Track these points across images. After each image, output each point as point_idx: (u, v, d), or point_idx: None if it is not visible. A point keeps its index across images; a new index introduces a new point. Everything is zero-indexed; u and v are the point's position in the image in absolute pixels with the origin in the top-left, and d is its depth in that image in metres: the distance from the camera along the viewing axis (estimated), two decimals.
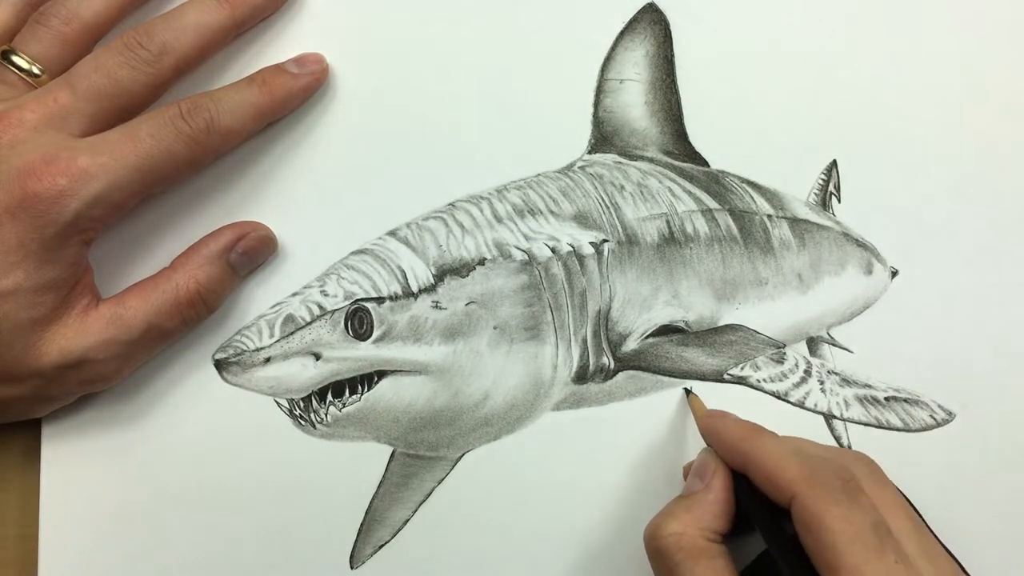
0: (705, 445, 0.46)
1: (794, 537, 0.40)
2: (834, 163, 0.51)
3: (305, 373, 0.47)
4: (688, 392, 0.49)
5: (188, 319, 0.48)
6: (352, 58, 0.51)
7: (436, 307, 0.48)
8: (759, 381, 0.49)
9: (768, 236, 0.51)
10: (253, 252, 0.49)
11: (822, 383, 0.50)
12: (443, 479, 0.49)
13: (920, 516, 0.43)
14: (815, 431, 0.49)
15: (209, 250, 0.48)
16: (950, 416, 0.50)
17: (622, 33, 0.51)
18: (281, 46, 0.51)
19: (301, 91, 0.49)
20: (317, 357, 0.47)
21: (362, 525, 0.49)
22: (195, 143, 0.46)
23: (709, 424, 0.46)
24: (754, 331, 0.50)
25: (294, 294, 0.49)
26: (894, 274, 0.51)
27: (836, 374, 0.50)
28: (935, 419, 0.50)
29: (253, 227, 0.49)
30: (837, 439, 0.49)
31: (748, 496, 0.43)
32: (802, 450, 0.42)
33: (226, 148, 0.48)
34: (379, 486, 0.49)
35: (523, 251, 0.49)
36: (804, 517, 0.39)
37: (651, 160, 0.52)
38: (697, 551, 0.41)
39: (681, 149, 0.52)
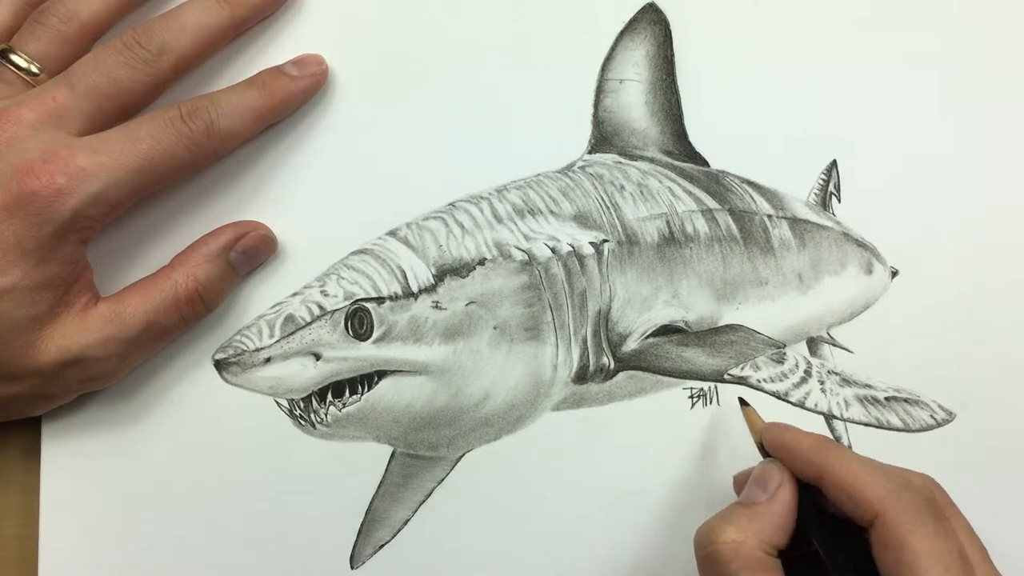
0: (762, 457, 0.45)
1: (856, 556, 0.39)
2: (834, 163, 0.51)
3: (305, 373, 0.47)
4: (743, 403, 0.47)
5: (187, 317, 0.47)
6: (352, 58, 0.51)
7: (436, 307, 0.48)
8: (759, 381, 0.49)
9: (768, 236, 0.51)
10: (253, 251, 0.49)
11: (822, 383, 0.50)
12: (443, 479, 0.49)
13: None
14: (816, 431, 0.49)
15: (209, 248, 0.48)
16: (950, 416, 0.50)
17: (622, 33, 0.51)
18: (281, 46, 0.51)
19: (301, 93, 0.49)
20: (317, 357, 0.47)
21: (362, 525, 0.49)
22: (194, 145, 0.46)
23: (776, 435, 0.44)
24: (754, 331, 0.50)
25: (294, 294, 0.49)
26: (894, 274, 0.51)
27: (836, 374, 0.50)
28: (935, 419, 0.50)
29: (253, 226, 0.49)
30: (837, 439, 0.49)
31: (813, 510, 0.42)
32: (882, 467, 0.41)
33: (225, 150, 0.48)
34: (379, 486, 0.49)
35: (523, 251, 0.49)
36: (887, 537, 0.38)
37: (651, 160, 0.52)
38: (755, 562, 0.40)
39: (681, 149, 0.52)
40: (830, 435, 0.50)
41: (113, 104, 0.46)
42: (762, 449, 0.45)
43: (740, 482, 0.46)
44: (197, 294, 0.47)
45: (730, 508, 0.42)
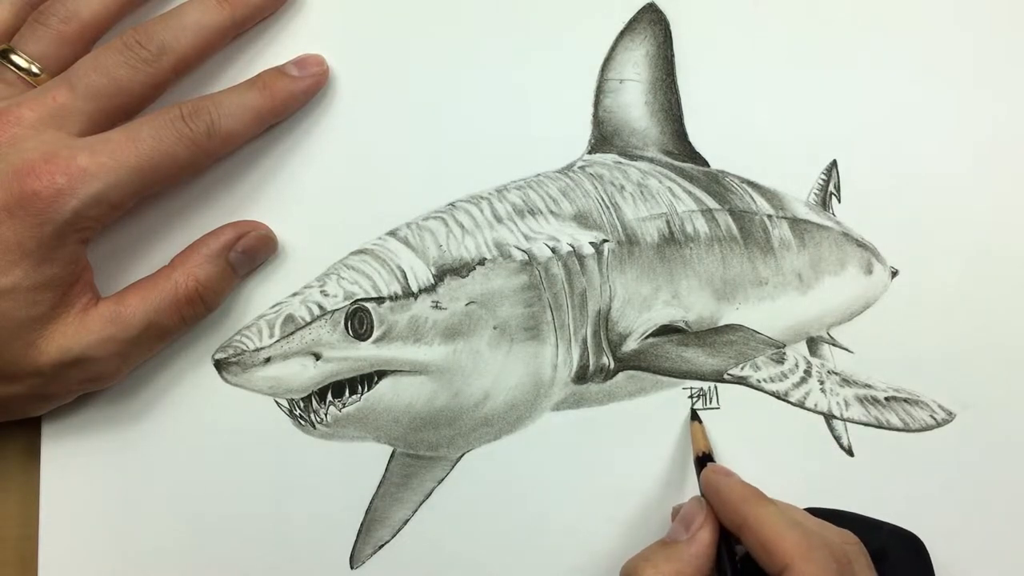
0: (696, 472, 0.46)
1: None
2: (834, 163, 0.51)
3: (305, 373, 0.47)
4: (695, 417, 0.49)
5: (187, 317, 0.47)
6: (352, 58, 0.51)
7: (436, 307, 0.48)
8: (759, 381, 0.49)
9: (768, 236, 0.51)
10: (253, 251, 0.49)
11: (822, 383, 0.50)
12: (443, 479, 0.49)
13: None
14: (815, 431, 0.49)
15: (209, 248, 0.48)
16: (950, 416, 0.50)
17: (622, 33, 0.51)
18: (281, 46, 0.51)
19: (302, 94, 0.49)
20: (317, 357, 0.47)
21: (362, 525, 0.49)
22: (195, 146, 0.46)
23: (712, 480, 0.45)
24: (754, 331, 0.50)
25: (294, 294, 0.49)
26: (894, 274, 0.51)
27: (836, 374, 0.50)
28: (935, 419, 0.50)
29: (253, 226, 0.49)
30: (837, 439, 0.49)
31: (730, 559, 0.43)
32: (801, 523, 0.42)
33: (226, 151, 0.48)
34: (379, 486, 0.49)
35: (523, 251, 0.49)
36: None
37: (651, 160, 0.52)
38: None
39: (681, 149, 0.52)
40: (831, 435, 0.50)
41: (113, 104, 0.46)
42: (699, 465, 0.47)
43: (675, 514, 0.47)
44: (197, 294, 0.47)
45: (652, 546, 0.44)
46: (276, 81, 0.49)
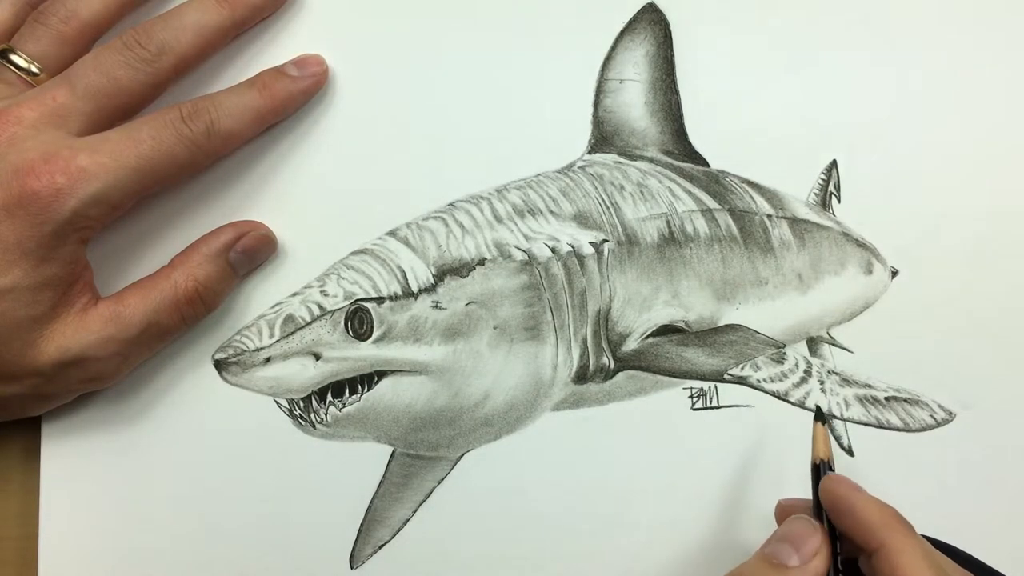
0: (812, 480, 0.43)
1: None
2: (834, 163, 0.51)
3: (305, 373, 0.47)
4: (819, 417, 0.45)
5: (187, 317, 0.47)
6: (352, 58, 0.51)
7: (436, 307, 0.48)
8: (759, 381, 0.49)
9: (768, 236, 0.51)
10: (252, 251, 0.49)
11: (822, 383, 0.50)
12: (443, 479, 0.49)
13: None
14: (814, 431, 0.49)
15: (209, 248, 0.48)
16: (950, 416, 0.50)
17: (622, 33, 0.51)
18: (281, 47, 0.51)
19: (301, 94, 0.49)
20: (317, 357, 0.47)
21: (362, 525, 0.49)
22: (195, 146, 0.46)
23: (844, 496, 0.41)
24: (754, 331, 0.50)
25: (294, 294, 0.49)
26: (894, 274, 0.51)
27: (836, 374, 0.50)
28: (935, 419, 0.50)
29: (253, 226, 0.49)
30: (838, 439, 0.49)
31: None
32: (943, 569, 0.39)
33: (226, 151, 0.48)
34: (379, 486, 0.49)
35: (523, 251, 0.49)
36: None
37: (651, 160, 0.52)
38: None
39: (681, 149, 0.52)
40: (831, 435, 0.50)
41: (113, 104, 0.46)
42: (815, 473, 0.43)
43: (784, 510, 0.45)
44: (197, 294, 0.47)
45: (758, 566, 0.41)
46: (276, 81, 0.49)
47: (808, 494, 0.43)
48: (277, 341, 0.47)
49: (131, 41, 0.46)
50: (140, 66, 0.46)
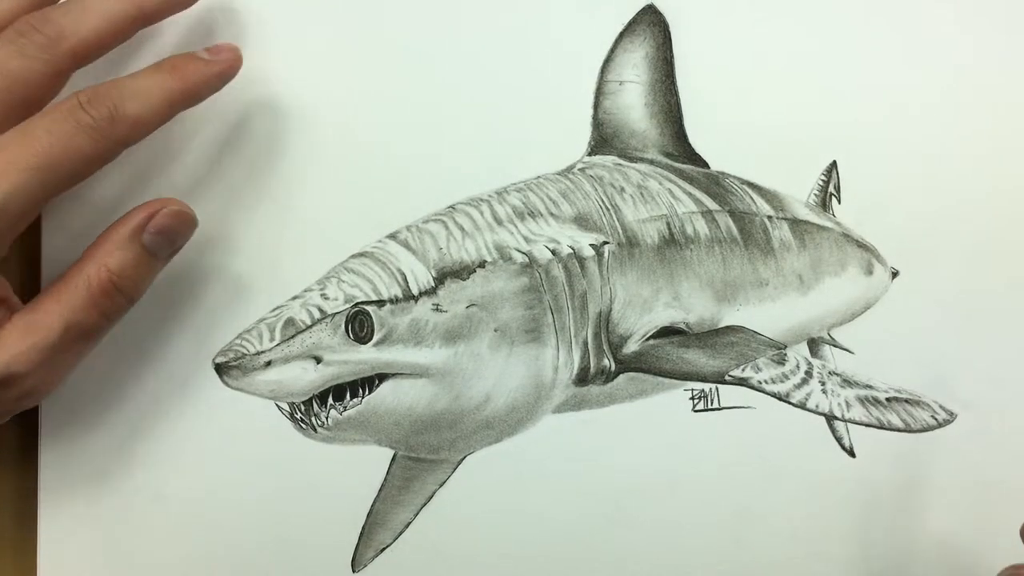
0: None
1: None
2: (834, 164, 0.51)
3: (306, 376, 0.47)
4: None
5: (107, 312, 0.43)
6: (350, 58, 0.51)
7: (436, 310, 0.48)
8: (760, 382, 0.49)
9: (768, 237, 0.51)
10: (167, 230, 0.44)
11: (823, 384, 0.50)
12: (444, 482, 0.49)
13: None
14: (817, 432, 0.49)
15: (118, 235, 0.43)
16: (951, 416, 0.50)
17: (621, 35, 0.51)
18: (282, 46, 0.50)
19: (215, 77, 0.45)
20: (318, 360, 0.47)
21: (363, 528, 0.49)
22: (99, 134, 0.41)
23: None
24: (755, 332, 0.50)
25: (294, 297, 0.49)
26: (894, 274, 0.51)
27: (837, 375, 0.50)
28: (936, 420, 0.50)
29: (164, 203, 0.44)
30: (839, 440, 0.49)
31: None
32: None
33: (135, 137, 0.43)
34: (380, 489, 0.49)
35: (523, 253, 0.49)
36: None
37: (651, 162, 0.52)
38: None
39: (681, 151, 0.51)
40: (832, 435, 0.50)
41: (13, 98, 0.41)
42: None
43: None
44: (112, 285, 0.43)
45: None
46: (187, 64, 0.44)
47: None
48: (278, 345, 0.47)
49: (25, 27, 0.42)
50: (36, 53, 0.41)
